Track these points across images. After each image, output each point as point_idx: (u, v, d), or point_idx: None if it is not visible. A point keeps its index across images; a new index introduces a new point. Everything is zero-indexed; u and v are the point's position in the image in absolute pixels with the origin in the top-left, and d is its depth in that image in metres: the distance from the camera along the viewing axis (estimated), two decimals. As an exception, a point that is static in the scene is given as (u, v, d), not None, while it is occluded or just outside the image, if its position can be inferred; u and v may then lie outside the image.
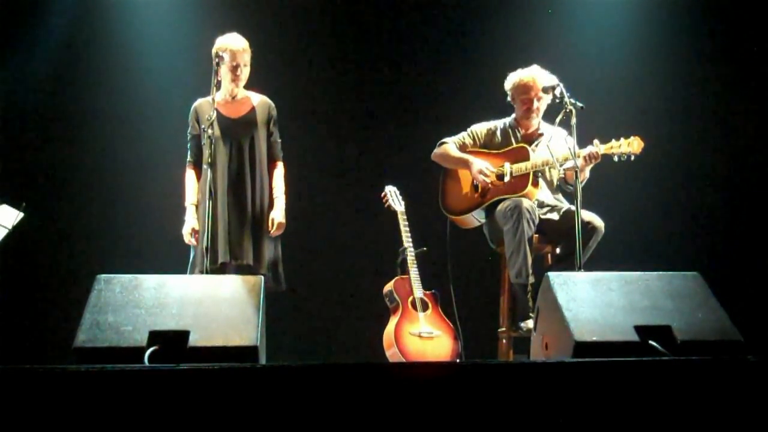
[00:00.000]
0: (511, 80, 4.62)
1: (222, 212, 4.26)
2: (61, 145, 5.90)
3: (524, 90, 4.56)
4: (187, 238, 4.33)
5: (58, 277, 5.71)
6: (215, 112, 4.20)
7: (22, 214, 4.88)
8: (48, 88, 5.88)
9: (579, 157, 4.26)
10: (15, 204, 4.87)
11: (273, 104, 4.53)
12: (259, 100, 4.50)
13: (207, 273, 4.08)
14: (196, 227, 4.32)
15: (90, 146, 5.89)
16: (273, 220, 4.36)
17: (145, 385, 2.55)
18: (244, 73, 4.39)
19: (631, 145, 4.26)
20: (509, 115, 4.73)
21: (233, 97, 4.44)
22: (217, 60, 4.30)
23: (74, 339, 2.89)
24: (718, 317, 3.10)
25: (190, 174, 4.43)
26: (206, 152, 4.11)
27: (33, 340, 5.47)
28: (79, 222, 5.84)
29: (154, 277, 3.20)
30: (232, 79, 4.37)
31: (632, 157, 4.28)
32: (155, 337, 2.90)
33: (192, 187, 4.41)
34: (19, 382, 2.53)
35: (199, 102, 4.46)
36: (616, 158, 4.30)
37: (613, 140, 4.31)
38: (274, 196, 4.42)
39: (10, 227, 4.83)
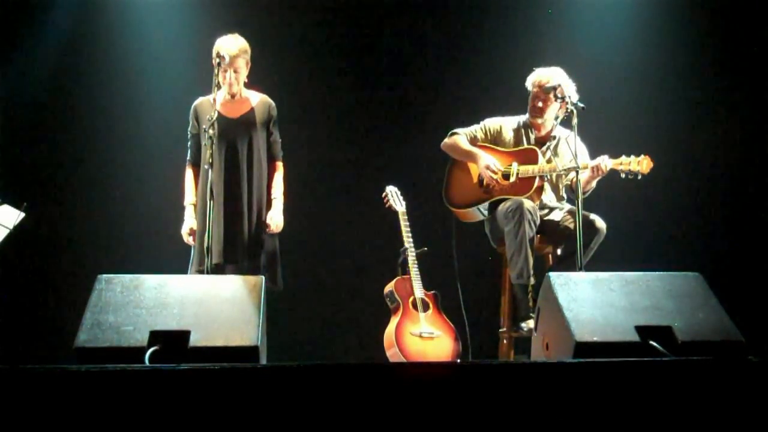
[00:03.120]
0: (528, 79, 4.61)
1: (218, 213, 4.24)
2: (62, 144, 5.89)
3: (531, 88, 4.56)
4: (186, 238, 4.35)
5: (58, 277, 5.70)
6: (216, 112, 4.16)
7: (23, 214, 4.87)
8: (48, 88, 5.86)
9: (586, 168, 4.27)
10: (15, 204, 4.86)
11: (273, 104, 4.50)
12: (258, 99, 4.47)
13: (206, 273, 4.08)
14: (194, 227, 4.33)
15: (90, 146, 5.88)
16: (271, 220, 4.35)
17: (145, 385, 2.54)
18: (241, 75, 4.34)
19: (640, 164, 4.21)
20: (523, 112, 4.69)
21: (233, 97, 4.42)
22: (218, 60, 4.28)
23: (75, 339, 2.90)
24: (719, 317, 3.10)
25: (189, 173, 4.44)
26: (207, 152, 4.08)
27: (33, 340, 5.46)
28: (80, 222, 5.83)
29: (155, 277, 3.20)
30: (224, 82, 4.34)
31: (639, 176, 4.23)
32: (156, 337, 2.91)
33: (190, 186, 4.41)
34: (20, 382, 2.53)
35: (200, 101, 4.45)
36: (623, 175, 4.26)
37: (623, 156, 4.26)
38: (272, 196, 4.41)
39: (11, 227, 4.81)
